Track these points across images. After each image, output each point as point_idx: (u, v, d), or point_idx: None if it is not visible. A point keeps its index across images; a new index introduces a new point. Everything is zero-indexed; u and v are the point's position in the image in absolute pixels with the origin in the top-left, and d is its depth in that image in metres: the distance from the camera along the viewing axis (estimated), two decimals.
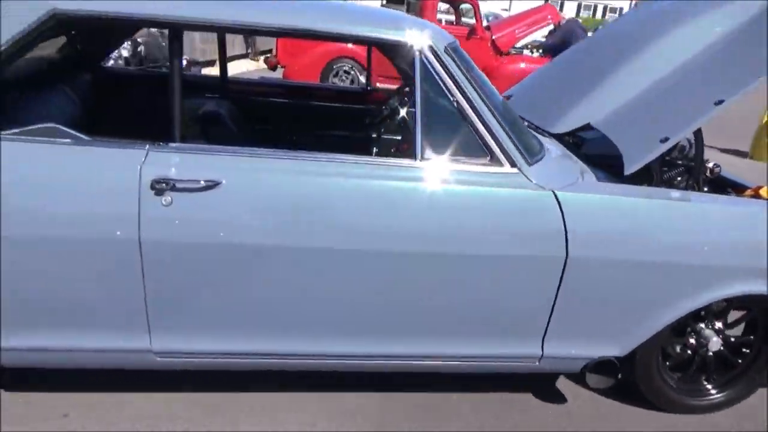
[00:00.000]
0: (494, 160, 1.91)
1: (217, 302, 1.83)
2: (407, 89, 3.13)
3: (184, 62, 7.11)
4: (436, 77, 1.86)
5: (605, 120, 2.35)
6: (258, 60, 11.80)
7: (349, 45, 8.64)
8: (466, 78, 1.87)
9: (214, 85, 3.12)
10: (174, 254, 1.74)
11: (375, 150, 3.27)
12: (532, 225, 1.89)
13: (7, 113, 1.92)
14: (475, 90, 1.88)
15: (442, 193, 1.86)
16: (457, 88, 1.86)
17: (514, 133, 1.94)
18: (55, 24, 1.67)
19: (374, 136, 3.26)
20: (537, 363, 2.10)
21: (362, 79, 8.61)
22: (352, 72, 8.60)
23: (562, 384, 2.47)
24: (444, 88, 1.87)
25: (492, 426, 2.18)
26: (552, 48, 9.63)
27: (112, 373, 2.12)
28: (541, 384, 2.44)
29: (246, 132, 2.83)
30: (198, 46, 9.82)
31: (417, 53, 1.85)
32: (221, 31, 1.77)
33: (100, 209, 1.69)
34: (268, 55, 9.35)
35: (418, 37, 1.85)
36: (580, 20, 12.10)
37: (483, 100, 1.88)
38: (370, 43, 1.86)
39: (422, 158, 1.87)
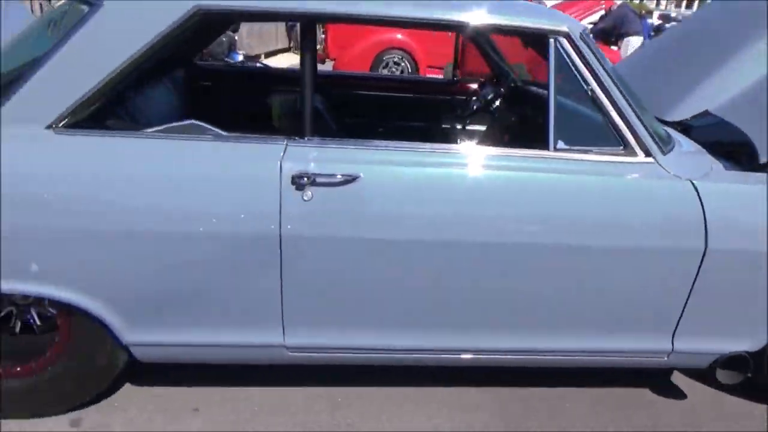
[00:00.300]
0: (628, 150, 1.86)
1: (351, 297, 1.82)
2: (495, 80, 3.08)
3: (240, 57, 7.16)
4: (571, 65, 1.81)
5: (726, 107, 2.26)
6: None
7: (398, 36, 8.59)
8: (601, 66, 1.82)
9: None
10: (313, 249, 1.73)
11: (459, 140, 3.23)
12: (671, 216, 1.83)
13: (120, 109, 1.94)
14: (610, 78, 1.82)
15: (577, 184, 1.81)
16: (593, 76, 1.81)
17: (647, 122, 1.88)
18: (198, 20, 1.67)
19: (463, 127, 3.22)
20: (665, 358, 2.04)
21: (409, 69, 8.57)
22: (402, 63, 8.55)
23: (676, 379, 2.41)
24: (579, 76, 1.81)
25: (621, 426, 2.13)
26: (603, 33, 9.41)
27: (238, 367, 2.14)
28: (655, 379, 2.38)
29: (338, 125, 2.82)
30: (244, 41, 9.89)
31: (552, 41, 1.80)
32: (362, 23, 1.76)
33: (241, 205, 1.69)
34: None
35: (554, 24, 1.80)
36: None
37: (618, 89, 1.83)
38: (509, 32, 1.83)
39: (555, 148, 1.83)
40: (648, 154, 1.86)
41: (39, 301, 1.88)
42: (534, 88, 2.87)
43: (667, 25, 11.66)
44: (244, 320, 1.84)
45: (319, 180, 1.69)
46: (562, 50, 1.80)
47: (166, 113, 2.25)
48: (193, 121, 1.73)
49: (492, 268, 1.82)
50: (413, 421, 2.07)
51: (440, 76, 3.92)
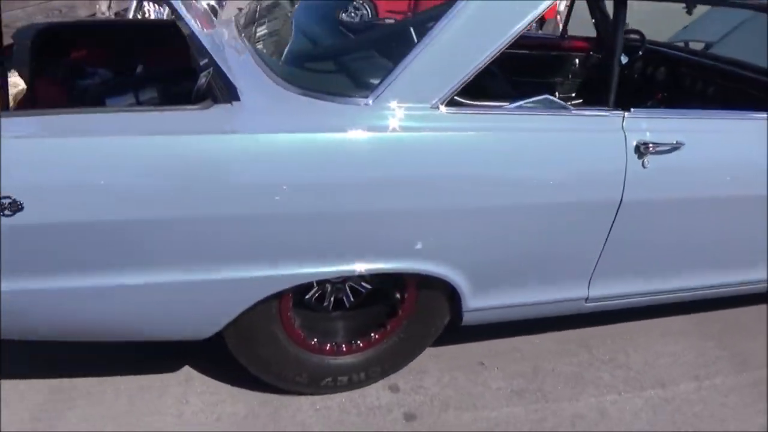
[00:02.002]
0: None
1: (656, 249, 2.06)
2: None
3: None
4: None
5: None
6: None
7: None
8: None
9: None
10: (643, 211, 1.93)
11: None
12: None
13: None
14: None
15: None
16: None
17: None
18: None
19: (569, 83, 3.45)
20: None
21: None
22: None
23: None
24: None
25: None
26: None
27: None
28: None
29: None
30: None
31: None
32: None
33: (589, 173, 1.84)
34: None
35: None
36: None
37: None
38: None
39: None
40: None
41: (349, 278, 1.91)
42: (664, 50, 3.18)
43: None
44: (561, 279, 2.02)
45: (654, 148, 1.87)
46: None
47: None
48: (547, 96, 1.82)
49: (755, 216, 2.14)
50: (653, 351, 2.39)
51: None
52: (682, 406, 2.11)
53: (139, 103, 2.40)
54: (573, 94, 3.54)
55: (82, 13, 5.93)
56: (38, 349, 1.98)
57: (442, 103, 1.67)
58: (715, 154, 1.98)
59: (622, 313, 2.48)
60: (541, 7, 1.70)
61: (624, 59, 3.13)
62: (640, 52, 3.09)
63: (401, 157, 1.62)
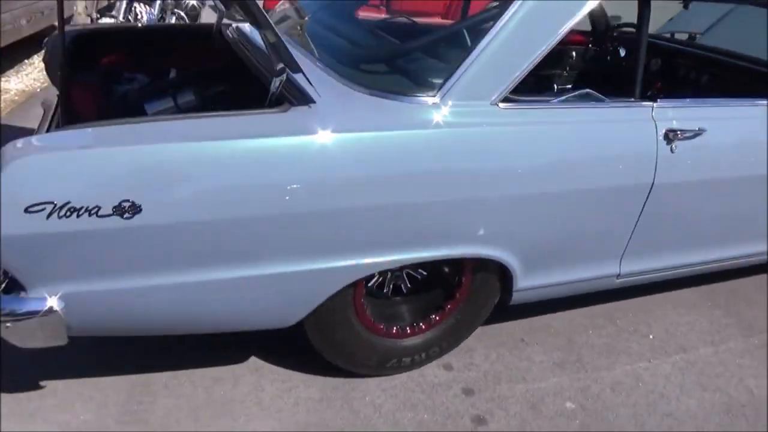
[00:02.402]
0: None
1: (680, 227, 2.25)
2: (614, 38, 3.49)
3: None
4: None
5: None
6: None
7: None
8: None
9: None
10: (671, 193, 2.11)
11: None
12: None
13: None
14: None
15: None
16: None
17: None
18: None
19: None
20: None
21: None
22: None
23: None
24: None
25: None
26: None
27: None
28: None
29: None
30: None
31: None
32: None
33: (625, 159, 2.00)
34: None
35: None
36: None
37: None
38: None
39: None
40: None
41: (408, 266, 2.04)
42: (659, 42, 3.39)
43: None
44: (598, 257, 2.19)
45: (682, 135, 2.06)
46: None
47: None
48: (588, 90, 1.98)
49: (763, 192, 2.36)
50: (671, 321, 2.61)
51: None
52: (705, 369, 2.33)
53: (177, 106, 2.46)
54: (570, 86, 3.74)
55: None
56: (104, 348, 2.07)
57: (499, 100, 1.81)
58: (732, 138, 2.18)
59: (638, 287, 2.70)
60: (588, 6, 1.86)
61: (622, 52, 3.36)
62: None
63: (469, 150, 1.76)
